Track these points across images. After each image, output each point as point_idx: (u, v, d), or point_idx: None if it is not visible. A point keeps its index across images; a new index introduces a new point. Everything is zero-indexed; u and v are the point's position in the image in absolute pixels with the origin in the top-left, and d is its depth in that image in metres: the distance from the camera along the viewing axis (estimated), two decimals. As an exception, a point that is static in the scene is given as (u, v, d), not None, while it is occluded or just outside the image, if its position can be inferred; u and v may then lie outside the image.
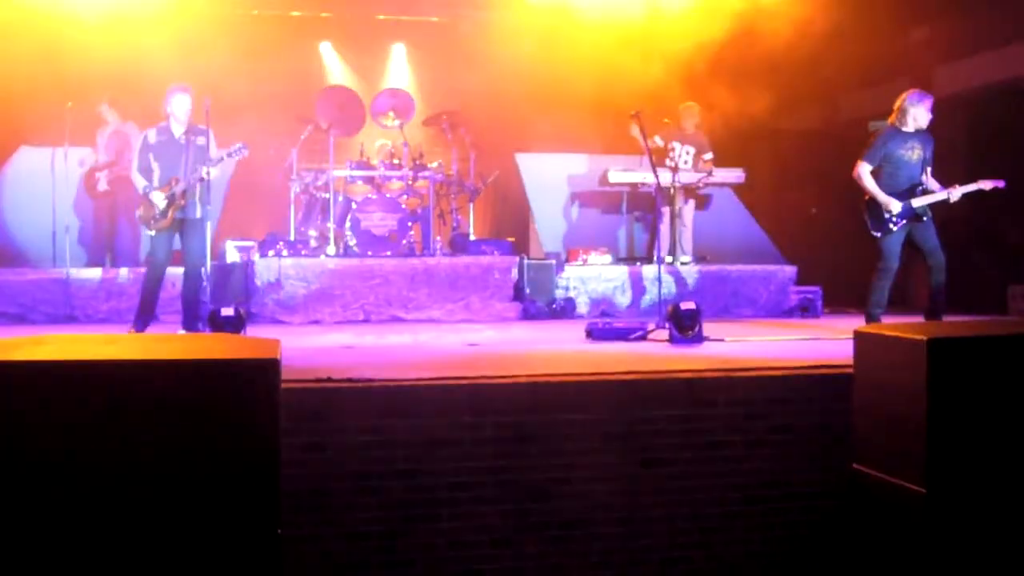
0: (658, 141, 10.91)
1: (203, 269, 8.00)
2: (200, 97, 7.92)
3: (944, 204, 7.73)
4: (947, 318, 7.56)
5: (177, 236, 7.86)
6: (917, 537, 3.91)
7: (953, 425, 3.91)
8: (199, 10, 12.05)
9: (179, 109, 7.85)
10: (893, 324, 4.97)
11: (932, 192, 7.69)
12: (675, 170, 10.53)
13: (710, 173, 10.81)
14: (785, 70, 12.01)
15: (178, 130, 7.88)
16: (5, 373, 3.31)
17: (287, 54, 13.03)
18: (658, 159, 10.83)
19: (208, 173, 7.69)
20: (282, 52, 12.87)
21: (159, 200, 7.74)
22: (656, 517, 5.14)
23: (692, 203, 11.09)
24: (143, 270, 9.70)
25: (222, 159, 7.79)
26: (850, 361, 4.65)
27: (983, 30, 11.39)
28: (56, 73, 10.73)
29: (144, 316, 7.84)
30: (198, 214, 7.79)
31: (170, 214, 7.75)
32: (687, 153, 10.97)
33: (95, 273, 9.80)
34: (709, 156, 11.11)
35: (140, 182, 7.95)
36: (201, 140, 7.83)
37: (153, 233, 7.88)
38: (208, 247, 8.00)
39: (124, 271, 9.86)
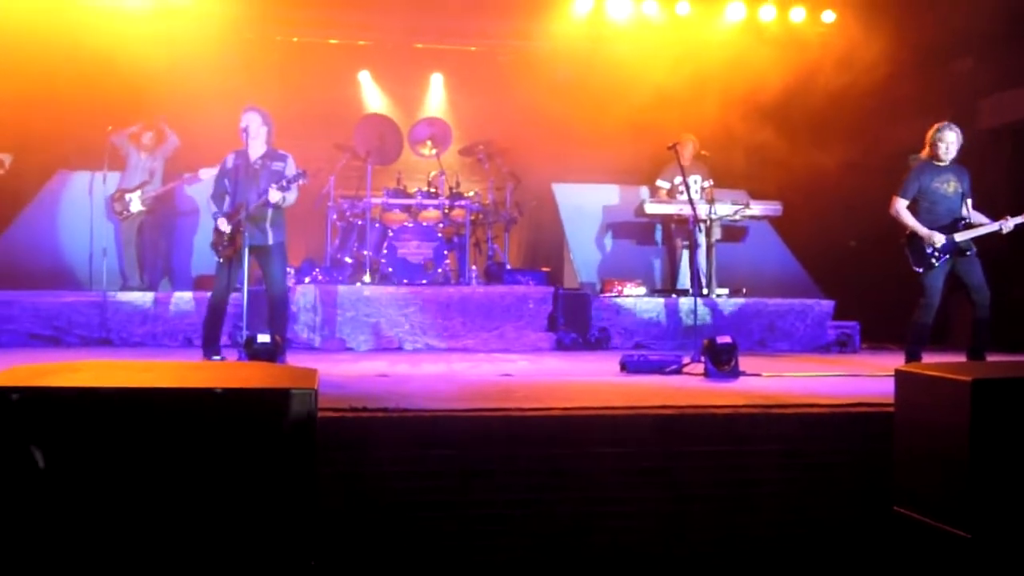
0: (663, 184, 10.92)
1: (286, 294, 7.98)
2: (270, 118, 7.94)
3: (986, 239, 7.64)
4: (990, 358, 7.46)
5: (245, 265, 7.55)
6: (960, 582, 3.85)
7: (998, 468, 3.85)
8: (240, 36, 12.21)
9: (245, 129, 7.69)
10: (936, 364, 4.90)
11: (978, 225, 7.60)
12: (701, 202, 10.48)
13: (747, 205, 10.77)
14: (824, 102, 11.99)
15: (253, 153, 7.77)
16: (41, 399, 3.32)
17: (326, 82, 13.16)
18: (669, 198, 10.84)
19: (271, 200, 7.52)
20: (321, 79, 13.01)
21: (224, 226, 7.67)
22: (689, 555, 5.08)
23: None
24: (182, 295, 9.85)
25: (285, 186, 7.58)
26: (890, 399, 4.60)
27: (1022, 65, 11.30)
28: (96, 98, 10.87)
29: (211, 343, 7.79)
30: (270, 240, 7.70)
31: (235, 242, 7.61)
32: (694, 183, 10.91)
33: (133, 296, 9.87)
34: (709, 183, 11.07)
35: (212, 208, 7.94)
36: (278, 165, 7.74)
37: (220, 260, 7.77)
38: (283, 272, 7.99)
39: (146, 296, 9.93)
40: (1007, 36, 11.10)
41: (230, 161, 7.86)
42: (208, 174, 9.80)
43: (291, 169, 7.78)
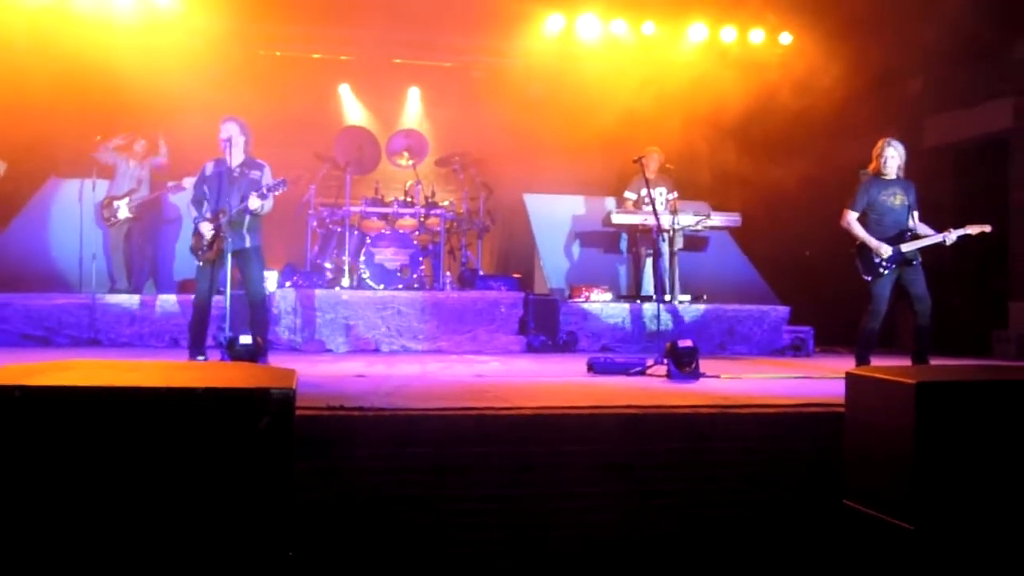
0: (630, 195, 10.96)
1: (264, 295, 7.95)
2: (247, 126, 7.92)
3: (931, 250, 7.71)
4: (933, 361, 7.53)
5: (228, 268, 7.55)
6: (905, 572, 3.88)
7: (940, 465, 3.89)
8: (226, 50, 12.17)
9: (222, 135, 7.69)
10: (883, 367, 4.96)
11: (923, 236, 7.66)
12: (663, 212, 10.52)
13: (708, 216, 10.83)
14: (781, 120, 12.09)
15: (232, 161, 7.72)
16: (31, 397, 3.30)
17: (308, 94, 13.14)
18: (635, 209, 10.88)
19: (250, 206, 7.52)
20: (303, 92, 12.99)
21: (207, 230, 7.63)
22: (651, 548, 5.10)
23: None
24: (167, 297, 9.80)
25: (266, 195, 7.59)
26: (840, 400, 4.64)
27: (968, 86, 11.45)
28: (86, 108, 10.82)
29: (197, 345, 7.74)
30: (248, 244, 7.66)
31: (215, 245, 7.59)
32: (660, 195, 10.95)
33: (120, 299, 9.81)
34: (674, 195, 11.12)
35: (192, 212, 7.91)
36: (256, 173, 7.72)
37: (200, 263, 7.73)
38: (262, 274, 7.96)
39: (132, 298, 9.88)
40: (949, 62, 11.26)
41: (209, 168, 7.82)
42: (192, 183, 9.77)
43: (268, 178, 7.78)
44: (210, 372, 4.03)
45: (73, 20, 11.27)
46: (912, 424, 3.87)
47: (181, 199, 10.90)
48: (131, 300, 9.79)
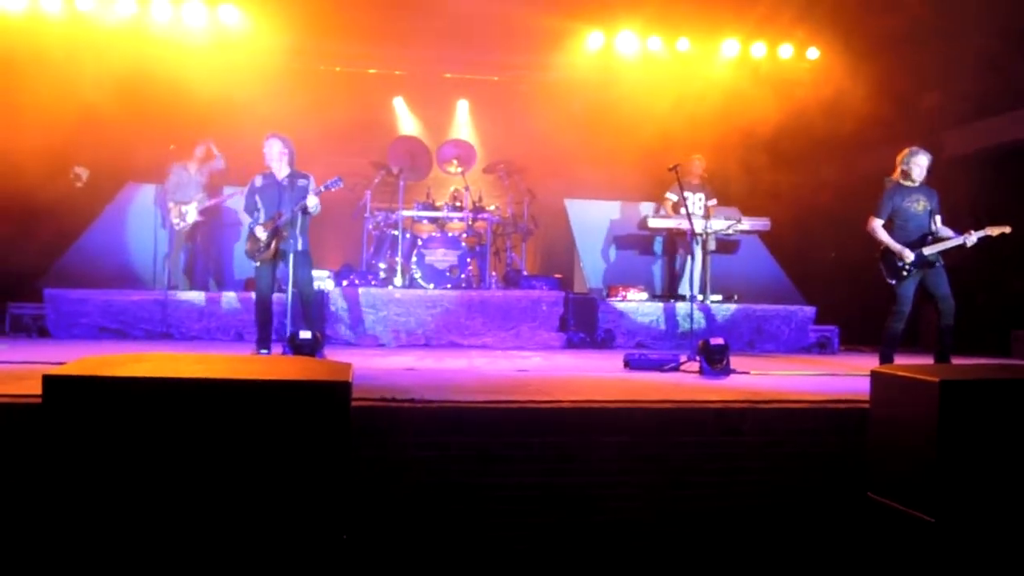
0: (671, 197, 10.86)
1: (316, 293, 8.03)
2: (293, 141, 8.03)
3: (953, 253, 7.58)
4: (954, 360, 7.39)
5: (282, 267, 7.73)
6: (926, 563, 3.81)
7: (961, 460, 3.82)
8: (290, 65, 12.27)
9: (270, 153, 7.88)
10: (907, 365, 4.86)
11: (945, 239, 7.53)
12: (697, 217, 10.44)
13: (739, 221, 10.73)
14: (808, 130, 11.95)
15: (281, 173, 7.87)
16: (110, 387, 3.33)
17: (364, 107, 13.20)
18: (674, 210, 10.81)
19: (308, 206, 7.66)
20: (360, 105, 13.05)
21: (262, 234, 7.77)
22: (683, 535, 5.05)
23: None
24: (231, 294, 9.88)
25: (320, 191, 7.73)
26: (865, 396, 4.57)
27: (987, 97, 11.24)
28: (158, 118, 10.94)
29: (263, 339, 7.89)
30: (300, 246, 7.73)
31: (273, 246, 7.73)
32: (700, 200, 10.88)
33: (190, 295, 9.92)
34: (713, 202, 11.03)
35: (246, 220, 8.02)
36: (303, 182, 7.84)
37: (258, 264, 7.86)
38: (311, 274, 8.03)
39: (200, 295, 9.97)
40: (969, 74, 11.06)
41: (258, 181, 7.97)
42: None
43: (314, 185, 7.89)
44: (273, 365, 4.05)
45: (149, 36, 11.41)
46: (935, 420, 3.80)
47: (239, 203, 10.99)
48: (199, 297, 9.89)
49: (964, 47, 10.26)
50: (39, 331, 9.56)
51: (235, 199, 10.76)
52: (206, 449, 3.33)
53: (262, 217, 7.84)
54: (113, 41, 11.02)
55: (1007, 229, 7.57)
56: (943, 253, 7.51)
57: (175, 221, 10.50)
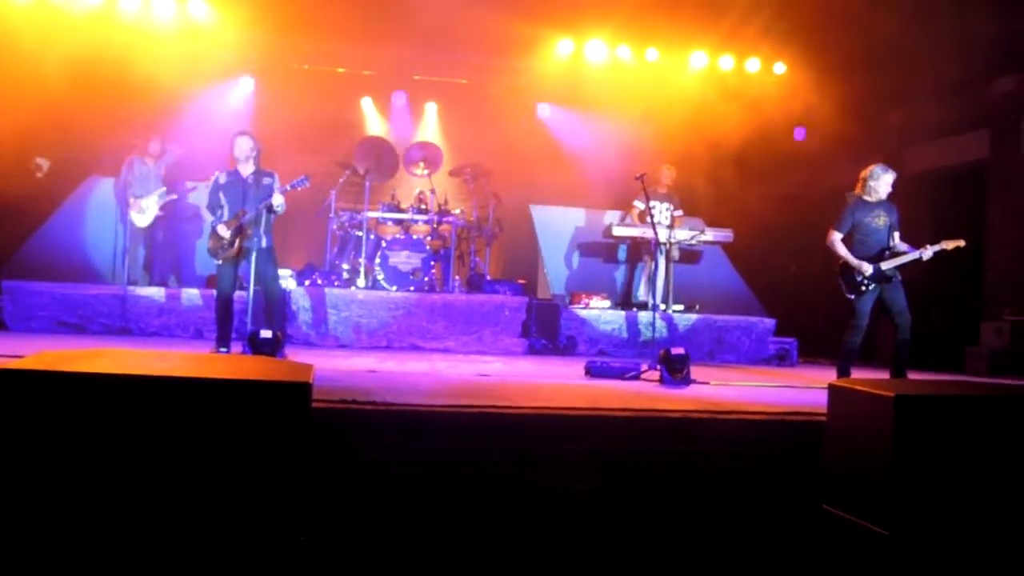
0: (639, 205, 10.88)
1: (282, 291, 7.98)
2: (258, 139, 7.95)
3: (911, 268, 7.67)
4: (910, 375, 7.49)
5: (244, 264, 7.64)
6: (879, 575, 3.86)
7: (915, 474, 3.87)
8: (256, 63, 12.20)
9: (239, 149, 7.78)
10: (864, 379, 4.92)
11: (902, 254, 7.61)
12: (662, 226, 10.49)
13: (703, 231, 10.79)
14: (771, 144, 12.09)
15: (245, 171, 7.79)
16: (66, 382, 3.29)
17: (332, 106, 13.14)
18: (640, 218, 10.86)
19: (274, 204, 7.60)
20: (327, 104, 12.99)
21: (225, 232, 7.68)
22: (642, 542, 5.07)
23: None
24: (192, 291, 9.78)
25: (287, 190, 7.66)
26: (822, 409, 4.61)
27: (947, 118, 11.43)
28: (123, 111, 10.83)
29: (223, 337, 7.80)
30: (264, 244, 7.67)
31: (236, 244, 7.65)
32: (666, 209, 10.93)
33: (150, 291, 9.81)
34: (679, 213, 11.08)
35: (208, 217, 7.95)
36: (267, 180, 7.77)
37: (220, 262, 7.78)
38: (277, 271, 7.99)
39: (160, 291, 9.87)
40: (929, 95, 11.25)
41: (222, 178, 7.88)
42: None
43: (279, 183, 7.83)
44: (233, 365, 4.01)
45: (115, 28, 11.28)
46: (890, 434, 3.85)
47: (200, 198, 10.88)
48: (159, 293, 9.78)
49: (927, 67, 10.42)
50: (-4, 323, 9.42)
51: (196, 192, 10.68)
52: (163, 448, 3.30)
53: (226, 215, 7.77)
54: (79, 31, 10.88)
55: (961, 243, 7.67)
56: (900, 268, 7.60)
57: (134, 215, 10.33)
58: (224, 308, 7.77)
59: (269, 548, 3.30)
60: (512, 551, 4.93)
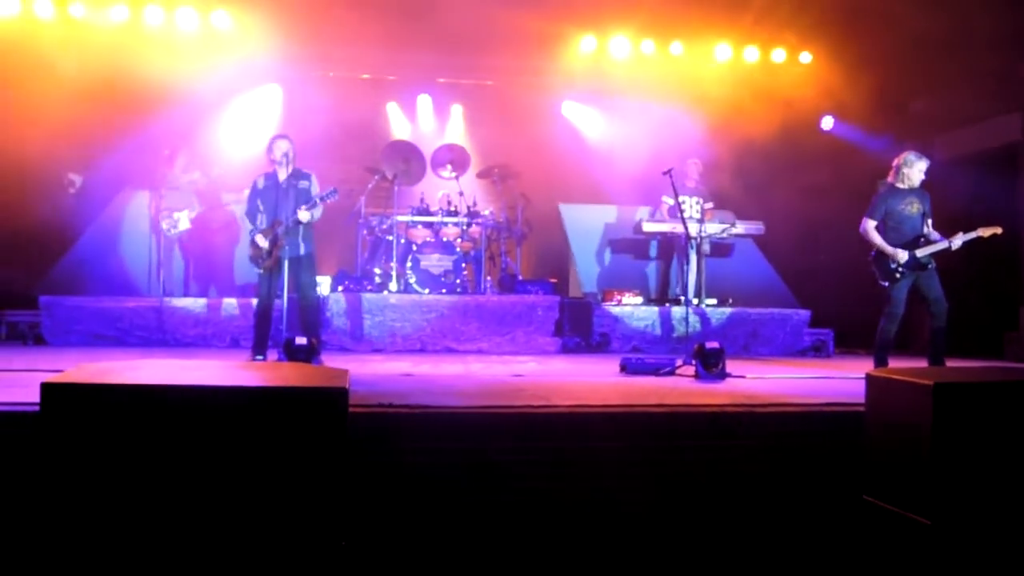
0: (667, 200, 10.84)
1: (316, 299, 8.01)
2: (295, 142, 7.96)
3: (946, 255, 7.60)
4: (948, 362, 7.42)
5: (285, 274, 7.59)
6: (922, 564, 3.83)
7: (955, 462, 3.84)
8: (282, 72, 12.27)
9: (277, 152, 7.75)
10: (901, 368, 4.89)
11: (934, 242, 7.56)
12: (692, 220, 10.45)
13: (733, 224, 10.75)
14: (801, 134, 12.01)
15: (282, 175, 7.76)
16: (106, 394, 3.34)
17: (358, 112, 13.20)
18: (670, 213, 10.82)
19: (305, 215, 7.59)
20: (354, 110, 13.04)
21: (263, 242, 7.70)
22: (680, 539, 5.06)
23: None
24: (229, 300, 9.87)
25: (315, 203, 7.65)
26: (860, 399, 4.59)
27: (976, 103, 11.31)
28: (150, 124, 10.93)
29: (259, 346, 7.83)
30: (302, 251, 7.70)
31: (274, 254, 7.65)
32: (696, 203, 10.89)
33: (186, 302, 9.91)
34: (709, 205, 11.03)
35: (248, 225, 7.97)
36: (303, 183, 7.77)
37: (260, 271, 7.80)
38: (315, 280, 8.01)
39: (197, 301, 9.96)
40: (959, 81, 11.13)
41: (260, 182, 7.89)
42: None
43: (315, 186, 7.84)
44: (269, 372, 4.06)
45: (141, 41, 11.36)
46: (929, 423, 3.83)
47: (238, 208, 10.97)
48: (196, 303, 9.87)
49: (956, 51, 10.31)
50: (35, 339, 9.55)
51: (235, 206, 10.71)
52: (203, 456, 3.34)
53: (263, 221, 7.82)
54: (104, 46, 10.99)
55: (998, 230, 7.60)
56: (935, 255, 7.54)
57: (165, 227, 10.40)
58: (262, 317, 7.82)
59: (310, 553, 3.33)
60: (553, 551, 4.94)
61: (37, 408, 3.34)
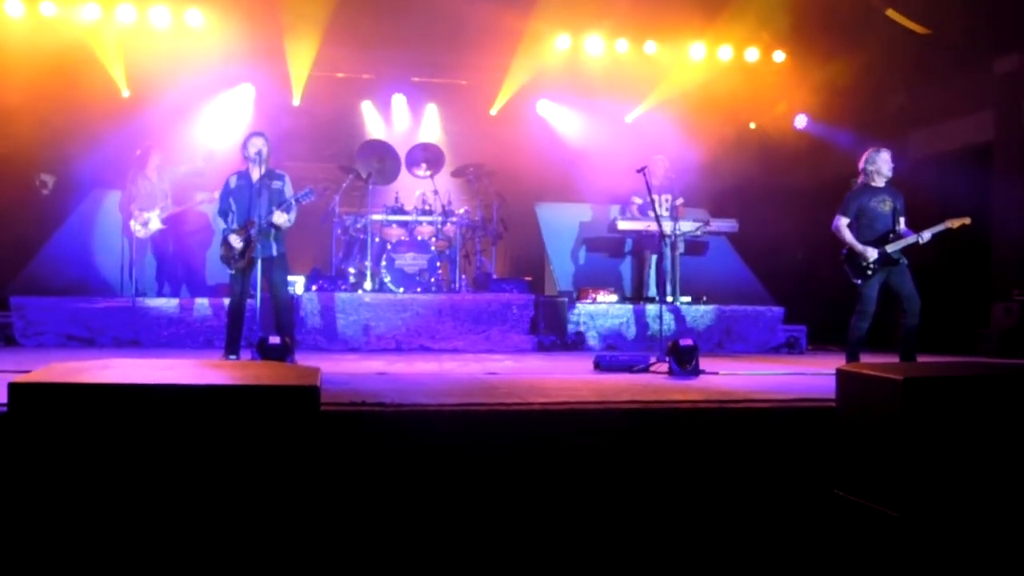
0: (637, 200, 10.88)
1: (290, 298, 7.96)
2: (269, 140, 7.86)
3: (918, 252, 7.65)
4: (920, 358, 7.48)
5: (258, 273, 7.51)
6: (892, 557, 3.86)
7: (925, 456, 3.87)
8: (255, 71, 12.22)
9: (251, 149, 7.66)
10: (872, 364, 4.93)
11: (903, 237, 7.60)
12: (665, 218, 10.47)
13: (708, 222, 10.80)
14: (774, 132, 12.08)
15: (255, 174, 7.68)
16: (76, 393, 3.32)
17: (333, 111, 13.16)
18: (640, 212, 10.85)
19: (281, 219, 7.54)
20: (328, 109, 13.00)
21: (236, 242, 7.63)
22: (655, 536, 5.08)
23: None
24: (202, 300, 9.81)
25: (291, 204, 7.61)
26: (832, 395, 4.62)
27: (950, 101, 11.41)
28: (122, 123, 10.85)
29: (232, 346, 7.75)
30: (275, 252, 7.65)
31: (247, 254, 7.58)
32: (666, 201, 10.92)
33: (159, 302, 9.84)
34: (680, 201, 11.06)
35: (220, 224, 7.90)
36: (277, 184, 7.69)
37: (233, 272, 7.73)
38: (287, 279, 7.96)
39: (170, 301, 9.90)
40: (932, 78, 11.23)
41: (233, 181, 7.81)
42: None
43: (288, 187, 7.77)
44: (241, 370, 4.04)
45: (112, 40, 11.28)
46: (899, 417, 3.85)
47: (210, 208, 10.89)
48: (168, 303, 9.81)
49: (929, 48, 10.41)
50: (6, 340, 9.45)
51: (204, 204, 10.63)
52: (174, 455, 3.32)
53: (235, 220, 7.77)
54: (75, 45, 10.91)
55: (967, 220, 7.62)
56: (906, 252, 7.59)
57: (136, 228, 10.23)
58: (235, 317, 7.76)
59: (279, 550, 3.32)
60: (527, 548, 4.94)
61: (4, 409, 3.31)
